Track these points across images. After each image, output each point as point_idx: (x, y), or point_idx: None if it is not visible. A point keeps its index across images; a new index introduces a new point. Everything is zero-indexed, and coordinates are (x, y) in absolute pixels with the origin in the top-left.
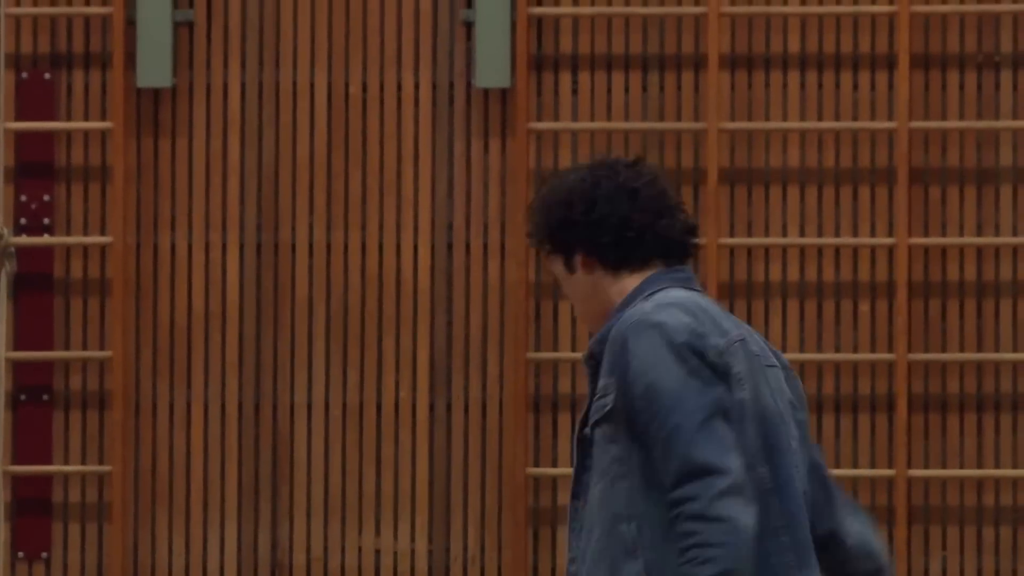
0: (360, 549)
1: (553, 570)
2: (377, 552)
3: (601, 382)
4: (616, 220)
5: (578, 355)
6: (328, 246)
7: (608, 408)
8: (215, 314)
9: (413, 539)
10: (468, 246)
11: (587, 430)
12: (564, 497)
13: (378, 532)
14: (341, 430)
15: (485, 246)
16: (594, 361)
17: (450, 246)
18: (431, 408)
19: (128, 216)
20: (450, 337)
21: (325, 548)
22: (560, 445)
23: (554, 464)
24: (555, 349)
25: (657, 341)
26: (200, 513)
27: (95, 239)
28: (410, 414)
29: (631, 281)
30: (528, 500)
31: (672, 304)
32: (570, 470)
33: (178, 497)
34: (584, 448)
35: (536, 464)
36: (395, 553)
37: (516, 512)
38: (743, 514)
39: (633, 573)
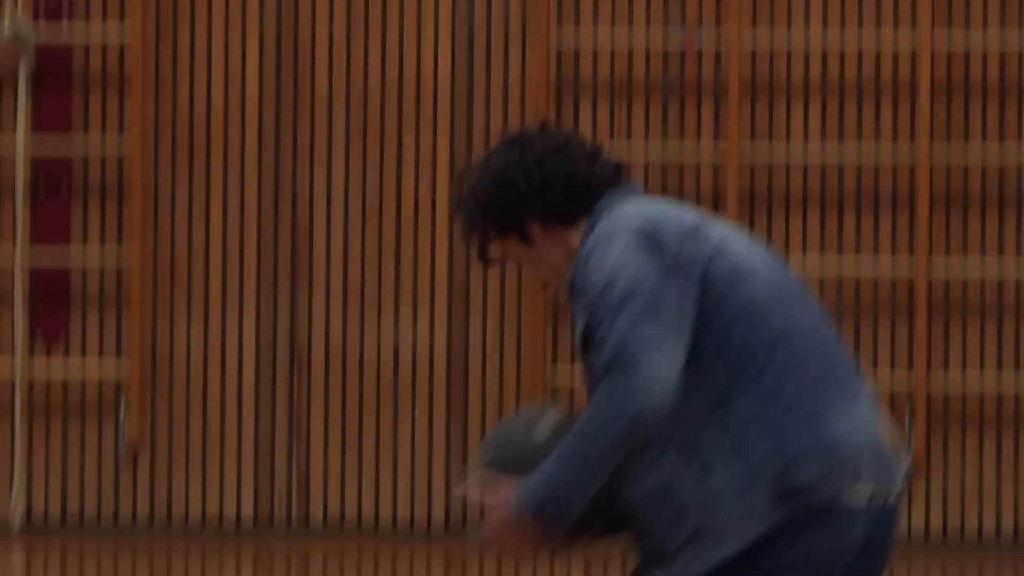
0: (379, 341)
1: (572, 359)
2: (396, 344)
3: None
4: (561, 177)
5: None
6: (348, 43)
7: (581, 331)
8: (234, 109)
9: (432, 332)
10: (489, 46)
11: (574, 333)
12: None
13: (397, 325)
14: (360, 224)
15: (506, 46)
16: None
17: (471, 45)
18: (451, 205)
19: (148, 11)
20: (470, 136)
21: (344, 339)
22: None
23: None
24: None
25: (606, 247)
26: (219, 303)
27: (115, 34)
28: (430, 211)
29: (584, 221)
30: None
31: (627, 213)
32: None
33: (197, 288)
34: (583, 354)
35: None
36: (414, 345)
37: (535, 304)
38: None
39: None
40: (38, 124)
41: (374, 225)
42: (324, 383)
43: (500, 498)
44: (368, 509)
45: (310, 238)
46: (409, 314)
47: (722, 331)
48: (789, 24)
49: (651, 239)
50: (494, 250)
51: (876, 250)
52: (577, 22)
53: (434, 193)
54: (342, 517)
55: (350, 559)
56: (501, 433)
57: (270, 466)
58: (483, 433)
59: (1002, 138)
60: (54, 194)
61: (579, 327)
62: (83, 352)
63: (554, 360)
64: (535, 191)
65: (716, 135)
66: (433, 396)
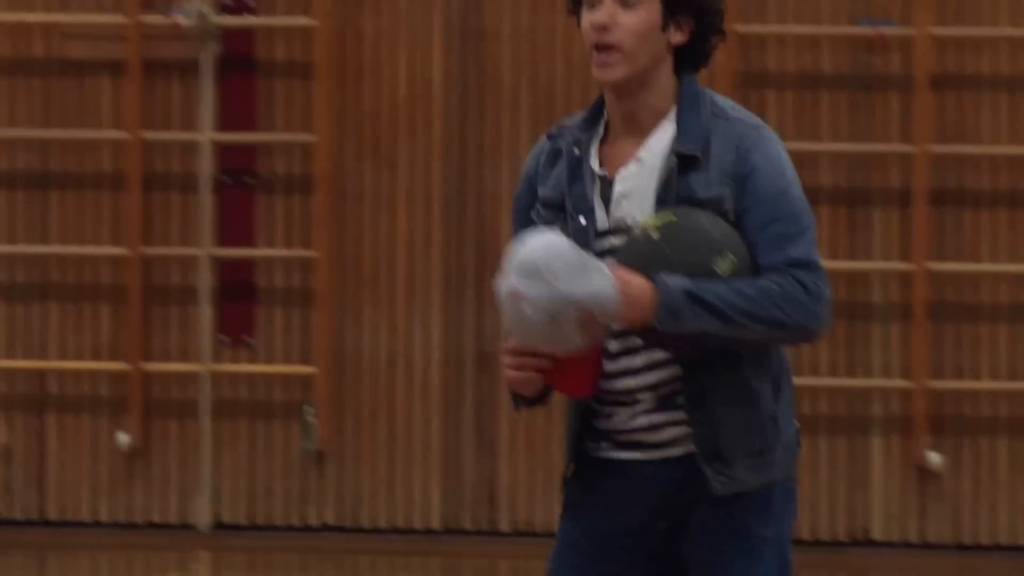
0: None
1: None
2: None
3: (715, 188)
4: (721, 16)
5: (791, 145)
6: (533, 31)
7: (729, 216)
8: (420, 99)
9: None
10: None
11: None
12: None
13: None
14: None
15: None
16: (691, 158)
17: None
18: None
19: None
20: None
21: None
22: None
23: None
24: None
25: (779, 152)
26: (405, 301)
27: (300, 21)
28: None
29: (673, 80)
30: None
31: (778, 144)
32: None
33: (383, 284)
34: None
35: None
36: None
37: None
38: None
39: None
40: (223, 114)
41: None
42: None
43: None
44: (555, 516)
45: (496, 233)
46: None
47: None
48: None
49: None
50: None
51: None
52: (763, 10)
53: None
54: (530, 524)
55: (538, 568)
56: (692, 227)
57: (457, 471)
58: None
59: None
60: (238, 186)
61: (713, 192)
62: (269, 351)
63: None
64: (715, 8)
65: (903, 129)
66: None
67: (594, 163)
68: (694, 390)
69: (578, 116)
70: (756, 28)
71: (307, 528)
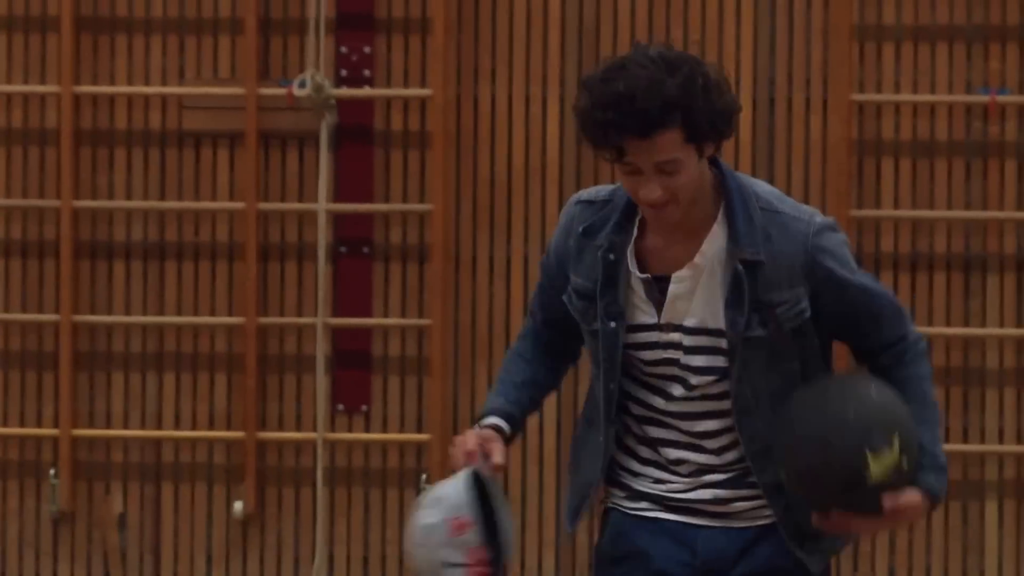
0: None
1: None
2: None
3: (786, 291)
4: (735, 111)
5: (901, 212)
6: None
7: (807, 314)
8: (535, 168)
9: None
10: (790, 101)
11: (768, 330)
12: None
13: None
14: None
15: (807, 101)
16: (757, 263)
17: (772, 101)
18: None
19: (448, 68)
20: None
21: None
22: None
23: None
24: (878, 207)
25: (841, 239)
26: None
27: (416, 91)
28: None
29: (711, 177)
30: None
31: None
32: None
33: (498, 351)
34: (752, 346)
35: None
36: None
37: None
38: None
39: None
40: (339, 184)
41: None
42: None
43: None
44: None
45: None
46: None
47: None
48: None
49: None
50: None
51: None
52: (879, 79)
53: None
54: None
55: None
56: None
57: (572, 537)
58: None
59: None
60: (354, 255)
61: (791, 310)
62: (384, 419)
63: None
64: (733, 112)
65: (1019, 196)
66: None
67: (633, 266)
68: (770, 475)
69: (609, 199)
70: (872, 96)
71: None
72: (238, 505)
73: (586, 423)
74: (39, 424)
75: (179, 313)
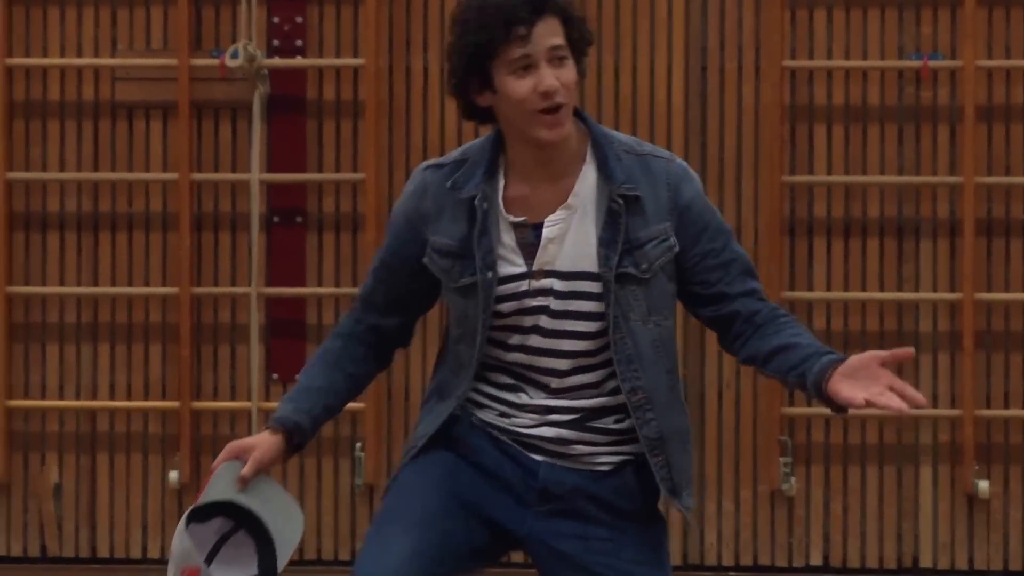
0: None
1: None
2: None
3: (655, 226)
4: (591, 39)
5: (834, 178)
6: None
7: (675, 249)
8: (467, 137)
9: None
10: (723, 68)
11: (639, 269)
12: (819, 322)
13: None
14: None
15: (739, 68)
16: (633, 198)
17: (704, 68)
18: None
19: (380, 38)
20: (704, 161)
21: None
22: (815, 269)
23: (810, 288)
24: (811, 172)
25: (699, 181)
26: None
27: (348, 61)
28: None
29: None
30: None
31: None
32: (825, 293)
33: (432, 321)
34: (627, 286)
35: (792, 288)
36: None
37: None
38: None
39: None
40: (272, 153)
41: None
42: None
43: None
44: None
45: None
46: None
47: None
48: None
49: None
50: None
51: None
52: (811, 45)
53: None
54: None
55: None
56: None
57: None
58: (719, 470)
59: None
60: (288, 224)
61: (660, 246)
62: None
63: (791, 394)
64: (588, 36)
65: (952, 161)
66: None
67: (505, 212)
68: (652, 435)
69: (462, 159)
70: (805, 63)
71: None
72: (173, 475)
73: (437, 394)
74: None
75: (114, 284)
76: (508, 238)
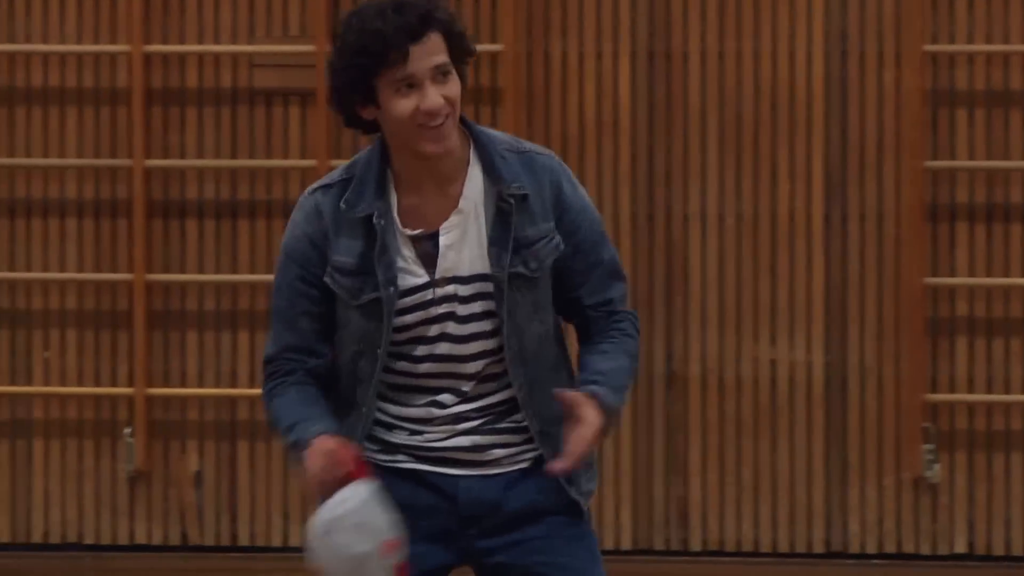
0: (756, 360)
1: (951, 380)
2: (773, 363)
3: (542, 224)
4: (472, 48)
5: (976, 163)
6: (721, 54)
7: (561, 247)
8: (607, 123)
9: (809, 350)
10: (863, 54)
11: (529, 268)
12: (962, 307)
13: (773, 343)
14: (736, 240)
15: (880, 53)
16: (522, 197)
17: (844, 54)
18: (826, 218)
19: (519, 23)
20: (845, 147)
21: (720, 358)
22: (957, 255)
23: (952, 273)
24: (953, 157)
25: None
26: None
27: (487, 46)
28: (804, 224)
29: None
30: (926, 310)
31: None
32: (968, 279)
33: None
34: (516, 285)
35: (934, 274)
36: (791, 364)
37: (914, 323)
38: None
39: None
40: None
41: (749, 240)
42: (701, 405)
43: (593, 415)
44: (747, 535)
45: (685, 255)
46: (786, 332)
47: None
48: None
49: None
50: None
51: None
52: (952, 30)
53: (809, 206)
54: (721, 543)
55: None
56: None
57: (648, 492)
58: (862, 457)
59: None
60: None
61: (548, 245)
62: None
63: (933, 381)
64: (469, 46)
65: None
66: (811, 417)
67: (401, 227)
68: (539, 422)
69: (347, 177)
70: (945, 47)
71: None
72: None
73: (336, 404)
74: (114, 383)
75: (252, 271)
76: (407, 251)
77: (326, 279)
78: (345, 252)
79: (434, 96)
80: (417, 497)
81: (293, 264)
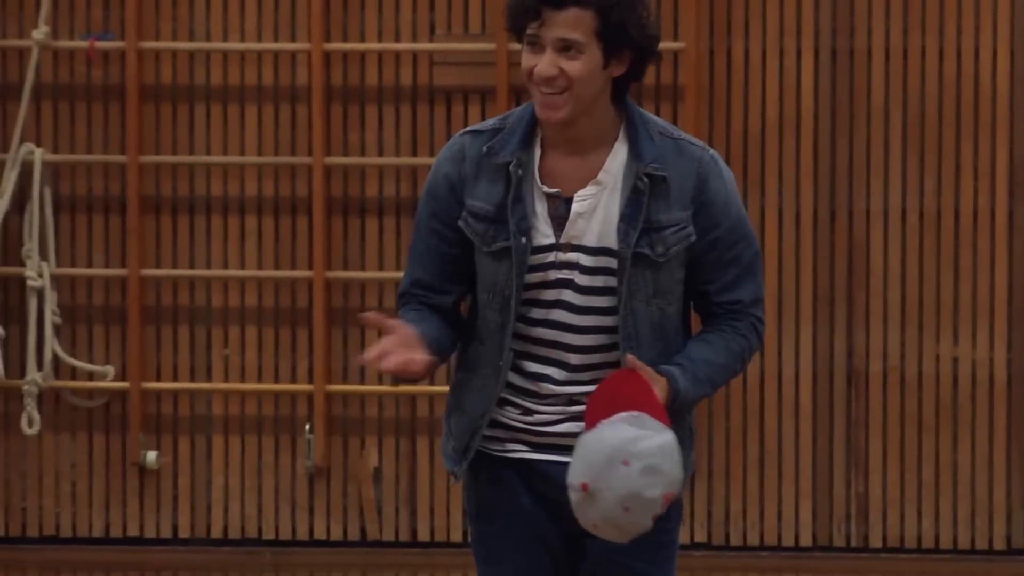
0: (937, 357)
1: None
2: (955, 360)
3: (677, 212)
4: (657, 41)
5: None
6: (905, 51)
7: (692, 238)
8: (789, 121)
9: (992, 347)
10: None
11: (655, 252)
12: None
13: (956, 340)
14: (918, 237)
15: None
16: (659, 179)
17: None
18: (1010, 215)
19: (701, 21)
20: None
21: (902, 356)
22: None
23: None
24: None
25: (731, 175)
26: (774, 321)
27: (668, 44)
28: (988, 221)
29: (611, 106)
30: None
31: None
32: None
33: None
34: (640, 266)
35: None
36: (973, 361)
37: None
38: None
39: None
40: None
41: (931, 237)
42: (882, 402)
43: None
44: (928, 532)
45: (867, 252)
46: (968, 329)
47: None
48: None
49: None
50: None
51: None
52: None
53: (993, 202)
54: (901, 540)
55: None
56: None
57: (828, 489)
58: None
59: None
60: None
61: (678, 233)
62: None
63: None
64: (653, 35)
65: None
66: (993, 415)
67: (539, 182)
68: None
69: (499, 127)
70: None
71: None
72: None
73: (467, 366)
74: (294, 380)
75: None
76: (540, 207)
77: (460, 223)
78: (481, 197)
79: (548, 65)
80: (530, 491)
81: (431, 201)
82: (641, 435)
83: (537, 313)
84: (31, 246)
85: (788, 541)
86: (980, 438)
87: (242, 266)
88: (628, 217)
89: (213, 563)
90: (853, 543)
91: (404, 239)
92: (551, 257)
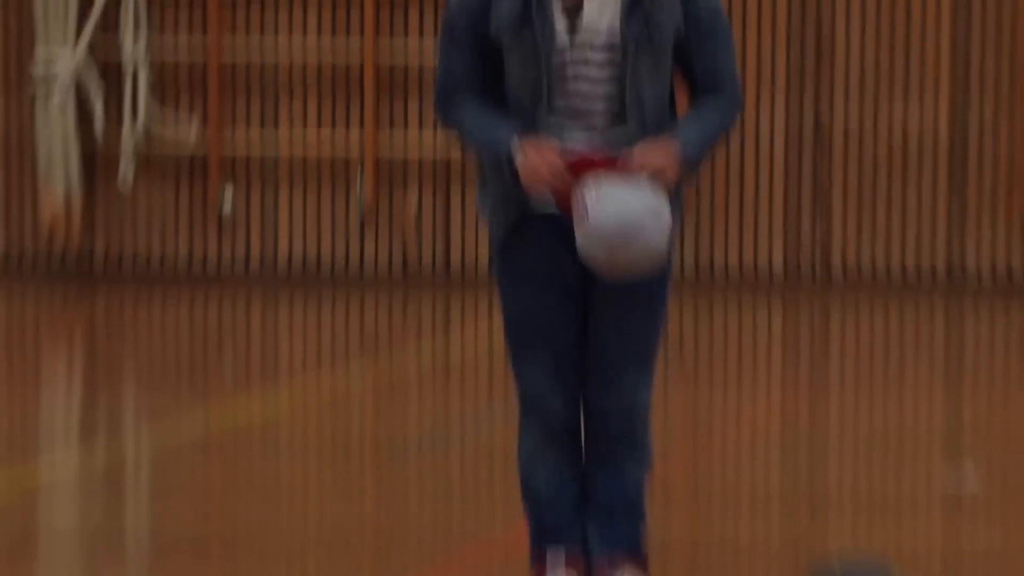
0: (890, 121)
1: None
2: (904, 124)
3: (672, 13)
4: None
5: None
6: None
7: (681, 30)
8: None
9: (936, 113)
10: None
11: (651, 39)
12: None
13: (905, 106)
14: (876, 15)
15: None
16: None
17: None
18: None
19: None
20: None
21: (860, 119)
22: None
23: None
24: None
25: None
26: (753, 91)
27: None
28: (935, 2)
29: None
30: None
31: None
32: None
33: None
34: (640, 51)
35: None
36: (920, 125)
37: None
38: None
39: None
40: None
41: (887, 18)
42: (843, 156)
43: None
44: (880, 262)
45: (832, 30)
46: (916, 97)
47: None
48: None
49: None
50: None
51: None
52: None
53: None
54: (859, 270)
55: (864, 307)
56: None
57: (796, 226)
58: (979, 204)
59: None
60: None
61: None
62: None
63: None
64: None
65: None
66: (936, 170)
67: None
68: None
69: None
70: None
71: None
72: None
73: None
74: (348, 127)
75: None
76: (558, 12)
77: (491, 31)
78: (508, 7)
79: None
80: (553, 242)
81: (462, 16)
82: (623, 195)
83: (559, 92)
84: (125, 19)
85: (762, 267)
86: (925, 187)
87: (304, 31)
88: (628, 11)
89: (282, 284)
90: (817, 273)
91: None
92: (567, 56)
